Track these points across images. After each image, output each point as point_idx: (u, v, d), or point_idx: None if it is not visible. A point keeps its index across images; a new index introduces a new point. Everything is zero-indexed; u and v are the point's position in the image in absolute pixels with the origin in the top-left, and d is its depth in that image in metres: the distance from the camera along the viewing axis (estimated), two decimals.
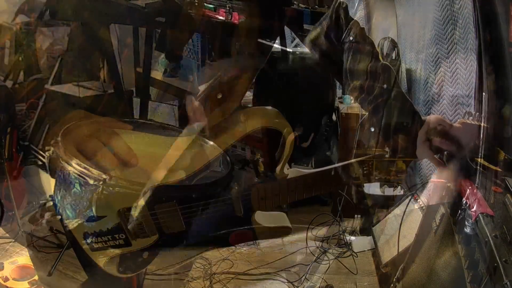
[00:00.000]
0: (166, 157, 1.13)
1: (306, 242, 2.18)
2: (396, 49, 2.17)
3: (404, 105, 1.12)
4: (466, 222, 1.02)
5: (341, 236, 2.27)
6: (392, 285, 1.44)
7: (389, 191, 2.17)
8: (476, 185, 1.05)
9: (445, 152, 1.07)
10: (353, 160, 1.09)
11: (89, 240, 1.06)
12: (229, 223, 1.12)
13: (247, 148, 1.59)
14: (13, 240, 1.86)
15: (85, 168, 0.99)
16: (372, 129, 1.13)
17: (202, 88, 1.17)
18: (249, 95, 2.26)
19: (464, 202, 1.05)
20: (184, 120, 1.31)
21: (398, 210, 2.08)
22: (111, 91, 1.62)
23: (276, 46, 1.73)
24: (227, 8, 1.69)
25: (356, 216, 2.36)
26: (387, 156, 1.09)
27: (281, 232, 1.19)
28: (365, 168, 1.10)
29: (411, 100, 1.49)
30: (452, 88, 1.73)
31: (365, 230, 2.32)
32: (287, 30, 1.47)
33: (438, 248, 1.18)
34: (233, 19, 1.62)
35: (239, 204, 1.09)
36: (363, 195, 2.22)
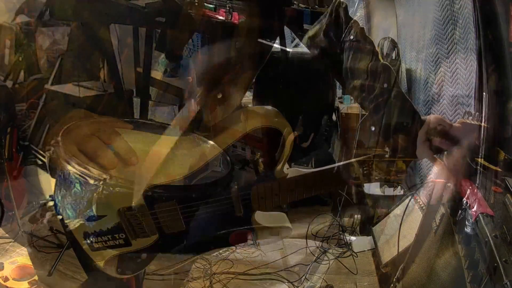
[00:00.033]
0: (166, 156, 1.13)
1: (306, 242, 2.18)
2: (396, 49, 2.17)
3: (404, 105, 1.11)
4: (466, 222, 1.02)
5: (341, 236, 2.27)
6: (392, 285, 1.44)
7: (389, 191, 2.17)
8: (476, 185, 1.05)
9: (445, 152, 1.07)
10: (353, 160, 1.09)
11: (89, 240, 1.06)
12: (229, 223, 1.12)
13: (247, 148, 1.59)
14: (13, 240, 1.86)
15: (85, 168, 0.99)
16: (373, 128, 1.13)
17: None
18: (249, 95, 2.26)
19: (464, 202, 1.05)
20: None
21: (398, 210, 2.08)
22: (111, 91, 1.62)
23: (276, 46, 1.73)
24: (227, 8, 1.69)
25: (356, 216, 2.36)
26: (387, 156, 1.09)
27: (281, 232, 1.19)
28: (365, 168, 1.10)
29: (411, 100, 1.49)
30: (452, 88, 1.73)
31: (365, 230, 2.32)
32: (287, 30, 1.47)
33: (438, 248, 1.18)
34: (233, 19, 1.62)
35: (239, 204, 1.09)
36: (363, 195, 2.22)
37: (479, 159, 1.04)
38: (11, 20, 1.67)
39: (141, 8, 1.39)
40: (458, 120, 1.09)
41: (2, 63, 1.74)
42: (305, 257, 2.13)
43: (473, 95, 1.36)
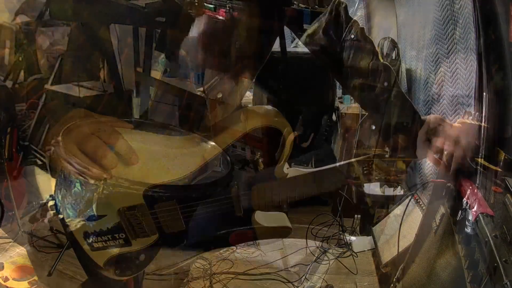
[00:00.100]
0: (166, 156, 1.13)
1: (306, 242, 2.18)
2: (396, 49, 2.17)
3: (404, 105, 1.12)
4: (466, 222, 1.02)
5: (341, 236, 2.27)
6: (392, 285, 1.44)
7: (389, 191, 2.17)
8: (476, 185, 1.05)
9: (445, 152, 1.07)
10: (353, 160, 1.09)
11: (89, 240, 1.06)
12: (229, 223, 1.12)
13: (247, 148, 1.59)
14: (13, 240, 1.86)
15: (85, 167, 0.99)
16: (373, 127, 1.13)
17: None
18: (249, 95, 2.26)
19: (464, 202, 1.05)
20: (184, 120, 1.31)
21: (398, 210, 2.08)
22: (111, 91, 1.62)
23: (276, 46, 1.73)
24: (227, 8, 1.69)
25: (356, 216, 2.37)
26: (387, 156, 1.09)
27: (281, 232, 1.19)
28: (365, 168, 1.10)
29: (411, 100, 1.49)
30: (452, 88, 1.73)
31: (365, 230, 2.32)
32: (287, 30, 1.47)
33: (438, 248, 1.18)
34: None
35: (239, 204, 1.09)
36: (363, 195, 2.22)
37: (479, 159, 1.04)
38: (11, 20, 1.67)
39: (141, 8, 1.39)
40: (458, 120, 1.09)
41: (2, 63, 1.74)
42: (305, 257, 2.13)
43: (473, 95, 1.36)
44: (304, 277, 1.99)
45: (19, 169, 1.76)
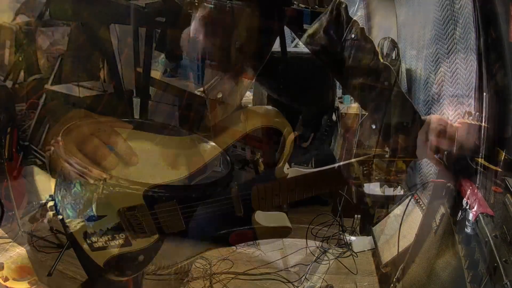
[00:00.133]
0: (167, 156, 1.13)
1: (306, 242, 2.18)
2: (396, 49, 2.17)
3: (404, 105, 1.12)
4: (466, 222, 1.02)
5: (341, 236, 2.27)
6: (392, 285, 1.44)
7: (389, 191, 2.17)
8: (476, 185, 1.05)
9: (445, 152, 1.07)
10: (353, 160, 1.09)
11: (89, 240, 1.06)
12: (229, 223, 1.12)
13: (247, 148, 1.59)
14: (13, 240, 1.86)
15: (85, 167, 0.99)
16: (374, 126, 1.13)
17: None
18: (249, 95, 2.26)
19: (464, 202, 1.05)
20: (184, 120, 1.31)
21: (398, 210, 2.08)
22: (111, 91, 1.62)
23: (276, 46, 1.73)
24: (227, 8, 1.69)
25: (356, 216, 2.37)
26: (387, 156, 1.09)
27: (281, 232, 1.19)
28: (365, 168, 1.10)
29: (411, 100, 1.49)
30: (452, 88, 1.73)
31: (365, 230, 2.32)
32: (287, 30, 1.47)
33: (438, 248, 1.18)
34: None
35: (239, 204, 1.09)
36: (363, 195, 2.22)
37: (479, 159, 1.04)
38: (11, 20, 1.67)
39: (141, 8, 1.39)
40: (458, 120, 1.09)
41: (2, 63, 1.74)
42: (305, 257, 2.13)
43: (473, 95, 1.36)
44: (304, 277, 1.99)
45: (19, 169, 1.76)
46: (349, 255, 2.16)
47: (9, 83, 1.73)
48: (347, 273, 2.05)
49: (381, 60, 1.13)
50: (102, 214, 1.04)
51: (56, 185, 1.10)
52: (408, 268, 1.36)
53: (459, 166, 1.07)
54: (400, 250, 1.63)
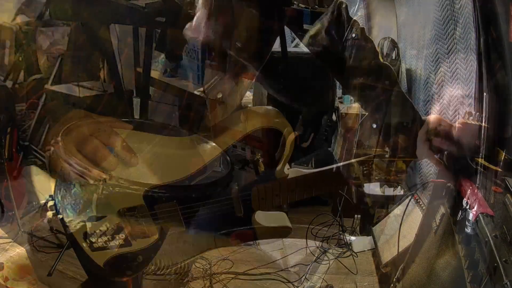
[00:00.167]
0: (167, 157, 1.13)
1: (306, 242, 2.18)
2: (396, 49, 2.17)
3: (404, 105, 1.11)
4: (466, 222, 1.02)
5: (341, 236, 2.27)
6: (392, 285, 1.44)
7: (389, 191, 2.17)
8: (476, 185, 1.05)
9: (445, 152, 1.07)
10: (353, 160, 1.09)
11: (89, 240, 1.06)
12: (229, 223, 1.12)
13: (247, 148, 1.59)
14: (13, 240, 1.86)
15: (85, 168, 0.99)
16: (374, 126, 1.13)
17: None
18: (249, 95, 2.26)
19: (464, 202, 1.05)
20: (184, 120, 1.31)
21: (398, 210, 2.08)
22: (111, 91, 1.62)
23: (276, 46, 1.73)
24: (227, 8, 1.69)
25: (356, 216, 2.36)
26: (387, 156, 1.09)
27: (281, 232, 1.19)
28: (365, 168, 1.10)
29: (411, 100, 1.49)
30: (452, 88, 1.73)
31: (365, 230, 2.32)
32: (287, 30, 1.47)
33: (438, 248, 1.18)
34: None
35: (239, 204, 1.09)
36: (363, 195, 2.22)
37: (479, 159, 1.04)
38: (11, 20, 1.66)
39: (141, 8, 1.39)
40: (458, 120, 1.09)
41: (2, 63, 1.74)
42: (305, 257, 2.13)
43: (473, 95, 1.36)
44: (304, 277, 1.99)
45: (19, 169, 1.76)
46: (349, 255, 2.16)
47: (9, 83, 1.72)
48: (347, 273, 2.05)
49: (381, 60, 1.13)
50: (102, 214, 1.04)
51: (56, 185, 1.10)
52: (408, 268, 1.36)
53: (459, 166, 1.07)
54: (400, 250, 1.63)
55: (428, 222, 1.27)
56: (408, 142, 1.08)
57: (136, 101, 1.66)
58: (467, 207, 1.03)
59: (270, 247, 2.14)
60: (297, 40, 2.17)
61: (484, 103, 1.07)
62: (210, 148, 1.15)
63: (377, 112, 1.14)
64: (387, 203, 2.23)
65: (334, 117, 2.46)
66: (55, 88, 1.63)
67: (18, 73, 1.72)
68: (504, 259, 0.87)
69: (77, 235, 1.07)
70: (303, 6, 1.26)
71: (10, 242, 1.87)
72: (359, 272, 2.05)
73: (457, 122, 1.07)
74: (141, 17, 1.42)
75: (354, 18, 1.14)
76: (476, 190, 1.04)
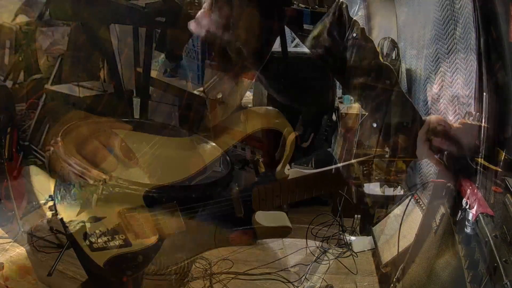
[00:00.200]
0: (167, 157, 1.13)
1: (306, 242, 2.18)
2: (396, 49, 2.17)
3: (404, 105, 1.12)
4: (466, 222, 1.02)
5: (341, 236, 2.27)
6: (392, 285, 1.44)
7: (389, 191, 2.17)
8: (476, 185, 1.05)
9: (445, 152, 1.07)
10: (353, 161, 1.09)
11: (88, 241, 1.06)
12: (229, 223, 1.12)
13: (247, 148, 1.59)
14: (13, 240, 1.86)
15: (85, 168, 0.98)
16: (375, 125, 1.13)
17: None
18: (249, 95, 2.26)
19: (464, 202, 1.05)
20: (184, 120, 1.31)
21: (398, 210, 2.08)
22: (111, 91, 1.62)
23: (276, 46, 1.73)
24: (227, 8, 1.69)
25: (356, 216, 2.36)
26: (387, 156, 1.09)
27: (281, 232, 1.19)
28: (365, 168, 1.10)
29: (411, 100, 1.49)
30: (452, 88, 1.73)
31: (365, 230, 2.32)
32: (287, 30, 1.47)
33: (438, 248, 1.18)
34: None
35: (239, 204, 1.09)
36: (363, 195, 2.22)
37: (479, 159, 1.04)
38: (11, 20, 1.66)
39: (141, 8, 1.39)
40: (459, 120, 1.09)
41: (2, 63, 1.74)
42: (305, 257, 2.13)
43: (473, 95, 1.36)
44: (304, 277, 1.99)
45: (19, 169, 1.76)
46: (349, 255, 2.15)
47: (9, 83, 1.72)
48: (347, 273, 2.05)
49: (381, 60, 1.13)
50: (102, 215, 1.04)
51: (55, 185, 1.10)
52: (408, 268, 1.36)
53: (459, 166, 1.07)
54: (400, 250, 1.62)
55: (428, 222, 1.27)
56: (408, 142, 1.08)
57: (136, 101, 1.66)
58: (467, 207, 1.03)
59: (270, 247, 2.14)
60: (297, 40, 2.16)
61: (484, 103, 1.07)
62: (210, 148, 1.16)
63: (377, 112, 1.14)
64: (387, 203, 2.23)
65: (334, 117, 2.46)
66: (55, 88, 1.63)
67: (18, 73, 1.72)
68: (504, 259, 0.87)
69: (77, 236, 1.07)
70: (303, 6, 1.26)
71: (10, 242, 1.86)
72: (359, 272, 2.05)
73: (458, 122, 1.07)
74: (141, 17, 1.42)
75: (355, 18, 1.14)
76: (476, 190, 1.04)
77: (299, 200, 1.12)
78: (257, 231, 1.14)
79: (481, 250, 0.95)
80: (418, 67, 2.15)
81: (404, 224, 1.66)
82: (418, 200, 1.83)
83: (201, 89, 1.23)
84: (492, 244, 0.91)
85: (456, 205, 1.10)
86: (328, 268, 2.07)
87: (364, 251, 2.20)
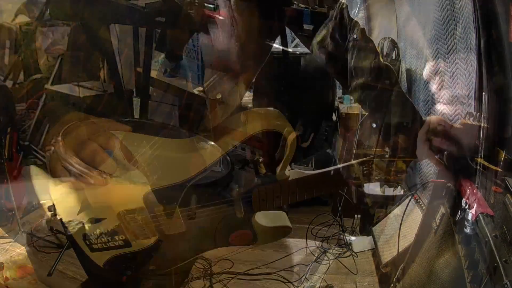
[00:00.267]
0: (167, 158, 1.13)
1: (306, 242, 2.18)
2: (396, 49, 2.17)
3: (404, 105, 1.12)
4: (466, 222, 1.02)
5: (341, 236, 2.26)
6: (392, 285, 1.44)
7: (389, 191, 2.17)
8: (476, 185, 1.05)
9: (445, 152, 1.06)
10: (353, 162, 1.09)
11: (88, 241, 1.06)
12: (230, 224, 1.12)
13: (247, 148, 1.59)
14: (13, 240, 1.86)
15: (86, 167, 0.98)
16: (374, 125, 1.13)
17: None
18: (249, 95, 2.26)
19: (464, 202, 1.05)
20: (184, 119, 1.31)
21: (398, 210, 2.07)
22: (111, 91, 1.62)
23: (276, 46, 1.73)
24: (227, 8, 1.69)
25: (356, 216, 2.36)
26: (387, 156, 1.09)
27: (281, 232, 1.19)
28: (365, 168, 1.10)
29: (411, 100, 1.49)
30: (452, 88, 1.73)
31: (365, 230, 2.32)
32: (287, 30, 1.47)
33: (438, 248, 1.18)
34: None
35: (240, 205, 1.09)
36: (363, 195, 2.21)
37: (479, 159, 1.04)
38: (11, 20, 1.67)
39: (141, 8, 1.39)
40: (460, 121, 1.09)
41: (2, 63, 1.74)
42: (305, 257, 2.13)
43: (473, 95, 1.36)
44: (304, 277, 1.99)
45: (19, 169, 1.76)
46: (349, 255, 2.15)
47: (9, 83, 1.72)
48: (347, 273, 2.04)
49: (382, 60, 1.13)
50: (102, 216, 1.04)
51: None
52: (408, 268, 1.36)
53: (459, 166, 1.07)
54: (400, 250, 1.62)
55: (428, 222, 1.27)
56: (408, 142, 1.08)
57: (136, 101, 1.66)
58: (467, 207, 1.03)
59: (270, 247, 2.13)
60: (297, 40, 2.17)
61: (484, 103, 1.07)
62: (211, 149, 1.15)
63: (377, 112, 1.14)
64: (387, 203, 2.23)
65: (334, 117, 2.46)
66: (55, 88, 1.63)
67: (18, 73, 1.72)
68: (504, 259, 0.87)
69: (77, 236, 1.07)
70: (303, 6, 1.26)
71: (10, 242, 1.86)
72: (359, 272, 2.05)
73: (458, 123, 1.07)
74: (141, 17, 1.42)
75: (355, 19, 1.14)
76: (476, 190, 1.04)
77: (299, 201, 1.12)
78: (257, 231, 1.14)
79: (481, 250, 0.94)
80: (418, 67, 2.15)
81: (404, 224, 1.66)
82: (418, 200, 1.83)
83: (201, 88, 1.23)
84: (492, 244, 0.91)
85: (456, 205, 1.10)
86: (328, 268, 2.07)
87: (364, 251, 2.20)
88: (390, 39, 2.16)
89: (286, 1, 1.24)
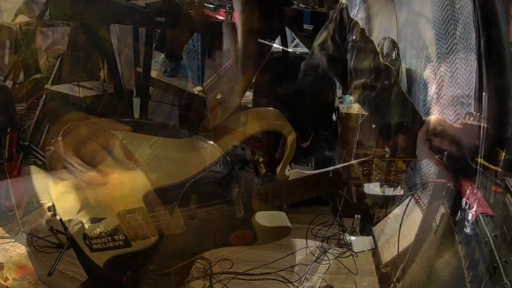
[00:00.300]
0: (167, 158, 1.13)
1: (306, 242, 2.18)
2: (396, 49, 2.17)
3: (404, 105, 1.12)
4: (466, 222, 1.02)
5: (341, 236, 2.26)
6: (392, 285, 1.44)
7: (389, 191, 2.17)
8: (476, 185, 1.05)
9: (445, 152, 1.06)
10: (354, 162, 1.09)
11: (88, 241, 1.06)
12: (230, 224, 1.12)
13: (247, 148, 1.59)
14: (13, 240, 1.86)
15: (86, 167, 0.98)
16: (374, 125, 1.13)
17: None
18: (249, 95, 2.26)
19: (464, 202, 1.05)
20: (184, 119, 1.31)
21: (398, 210, 2.07)
22: (111, 91, 1.62)
23: (276, 45, 1.73)
24: (227, 8, 1.69)
25: (356, 216, 2.36)
26: (387, 156, 1.09)
27: (281, 232, 1.19)
28: (365, 168, 1.10)
29: (411, 100, 1.49)
30: (452, 88, 1.73)
31: (365, 230, 2.32)
32: (287, 30, 1.47)
33: (438, 248, 1.18)
34: (233, 19, 1.62)
35: (239, 205, 1.09)
36: (363, 195, 2.21)
37: (479, 159, 1.04)
38: (11, 20, 1.67)
39: (141, 8, 1.39)
40: (459, 121, 1.09)
41: (2, 63, 1.74)
42: (305, 257, 2.13)
43: (473, 95, 1.36)
44: (304, 277, 1.99)
45: (19, 169, 1.76)
46: (349, 255, 2.15)
47: (9, 83, 1.73)
48: (347, 273, 2.04)
49: (381, 60, 1.13)
50: (102, 216, 1.04)
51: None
52: (408, 268, 1.36)
53: (459, 166, 1.07)
54: (400, 250, 1.62)
55: (428, 222, 1.27)
56: (408, 142, 1.08)
57: (136, 101, 1.66)
58: (467, 207, 1.03)
59: (270, 247, 2.13)
60: (297, 40, 2.16)
61: (484, 103, 1.07)
62: (211, 149, 1.15)
63: (377, 112, 1.15)
64: (387, 203, 2.23)
65: (334, 117, 2.45)
66: (55, 88, 1.64)
67: (18, 73, 1.72)
68: (504, 259, 0.87)
69: (77, 236, 1.07)
70: (303, 6, 1.26)
71: (10, 242, 1.86)
72: (359, 272, 2.05)
73: (458, 123, 1.07)
74: (141, 17, 1.42)
75: (355, 20, 1.15)
76: (476, 190, 1.04)
77: (299, 201, 1.12)
78: (257, 231, 1.14)
79: (481, 250, 0.94)
80: (418, 67, 2.15)
81: (404, 224, 1.66)
82: (418, 200, 1.83)
83: (201, 88, 1.23)
84: (492, 244, 0.91)
85: (456, 205, 1.10)
86: (328, 268, 2.07)
87: (364, 251, 2.20)
88: (390, 39, 2.16)
89: (286, 1, 1.24)
